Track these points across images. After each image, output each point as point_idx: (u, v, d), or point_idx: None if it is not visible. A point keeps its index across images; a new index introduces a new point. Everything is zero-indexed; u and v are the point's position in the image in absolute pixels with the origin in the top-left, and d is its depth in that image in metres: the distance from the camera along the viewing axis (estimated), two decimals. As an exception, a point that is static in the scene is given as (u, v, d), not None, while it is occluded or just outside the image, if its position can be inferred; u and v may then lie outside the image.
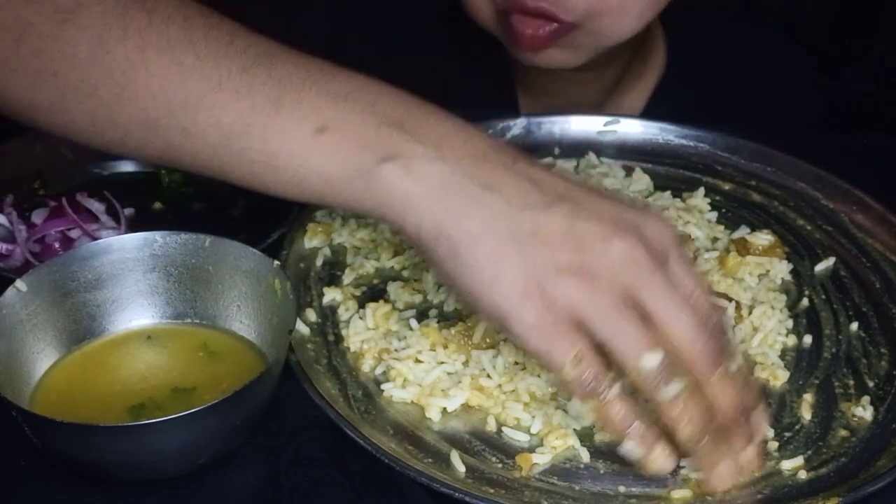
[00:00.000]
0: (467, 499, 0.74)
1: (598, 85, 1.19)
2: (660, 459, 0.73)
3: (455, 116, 0.76)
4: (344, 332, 0.87)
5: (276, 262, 0.82)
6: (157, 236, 0.84)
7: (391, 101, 0.76)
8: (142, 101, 0.76)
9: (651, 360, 0.70)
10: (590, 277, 0.70)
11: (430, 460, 0.77)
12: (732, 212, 1.02)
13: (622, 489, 0.76)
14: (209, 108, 0.75)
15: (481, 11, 1.06)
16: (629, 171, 1.05)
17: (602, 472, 0.78)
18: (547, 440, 0.78)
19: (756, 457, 0.75)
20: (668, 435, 0.73)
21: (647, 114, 1.20)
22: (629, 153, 1.09)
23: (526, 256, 0.70)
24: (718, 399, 0.72)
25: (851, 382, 0.86)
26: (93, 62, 0.76)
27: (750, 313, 0.89)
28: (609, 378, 0.71)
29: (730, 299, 0.88)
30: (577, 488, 0.76)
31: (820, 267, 0.97)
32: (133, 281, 0.83)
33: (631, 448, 0.73)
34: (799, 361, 0.87)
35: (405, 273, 0.93)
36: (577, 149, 1.08)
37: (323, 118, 0.74)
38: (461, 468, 0.77)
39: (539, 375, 0.82)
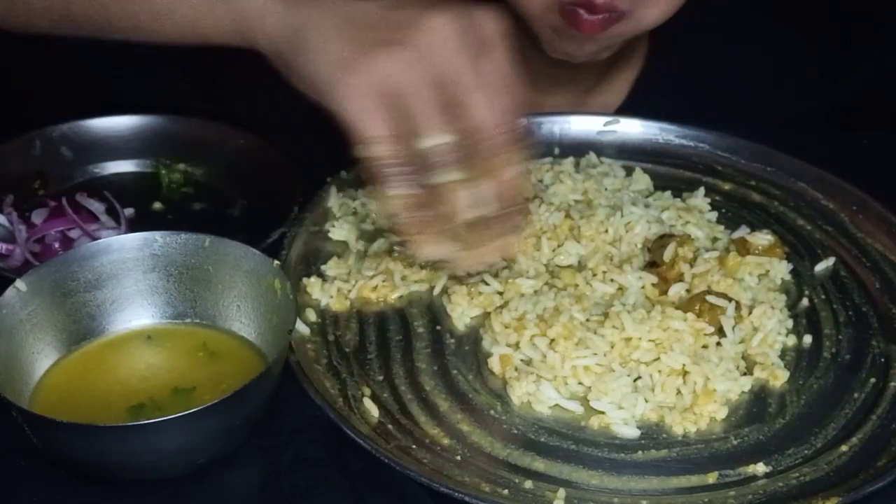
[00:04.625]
0: (467, 499, 0.74)
1: (588, 71, 1.19)
2: (422, 245, 0.80)
3: None
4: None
5: (276, 262, 0.82)
6: (157, 236, 0.84)
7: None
8: None
9: (430, 140, 0.75)
10: (406, 48, 0.75)
11: (428, 458, 0.77)
12: (732, 212, 1.02)
13: (622, 487, 0.77)
14: None
15: (537, 4, 1.05)
16: (629, 171, 1.05)
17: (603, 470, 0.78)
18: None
19: (513, 245, 0.83)
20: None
21: (630, 101, 1.20)
22: (629, 153, 1.09)
23: (346, 40, 0.77)
24: (500, 184, 0.78)
25: (851, 382, 0.86)
26: None
27: (750, 313, 0.89)
28: (400, 171, 0.77)
29: (730, 299, 0.88)
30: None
31: (820, 267, 0.97)
32: (133, 281, 0.83)
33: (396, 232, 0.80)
34: (799, 361, 0.87)
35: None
36: (577, 149, 1.08)
37: None
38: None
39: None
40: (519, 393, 0.83)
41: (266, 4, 0.82)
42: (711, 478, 0.78)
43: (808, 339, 0.89)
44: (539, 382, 0.83)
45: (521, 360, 0.85)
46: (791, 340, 0.89)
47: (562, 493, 0.76)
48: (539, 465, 0.78)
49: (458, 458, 0.78)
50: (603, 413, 0.82)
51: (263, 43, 0.83)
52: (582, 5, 1.00)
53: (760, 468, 0.78)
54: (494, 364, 0.85)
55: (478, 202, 0.78)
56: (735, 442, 0.81)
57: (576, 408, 0.82)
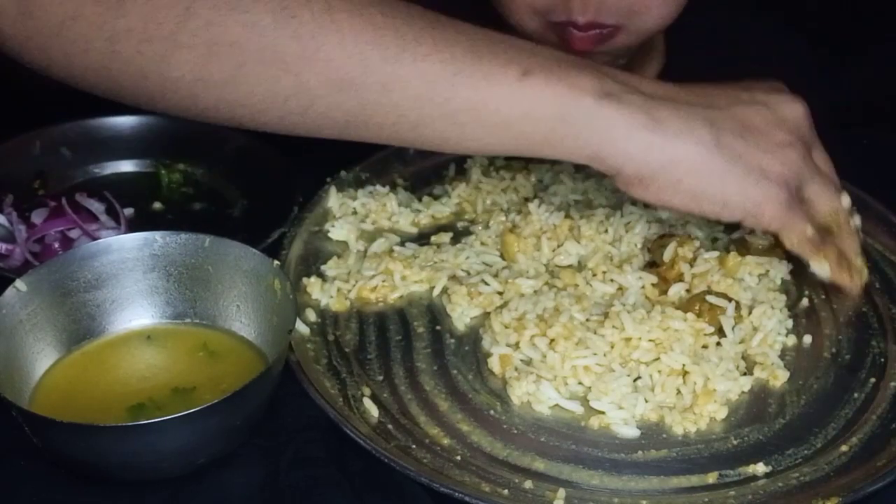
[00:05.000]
0: (467, 499, 0.74)
1: None
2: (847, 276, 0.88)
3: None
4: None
5: (276, 262, 0.83)
6: (157, 236, 0.84)
7: (568, 53, 0.85)
8: (336, 62, 0.76)
9: (846, 198, 0.87)
10: (783, 146, 0.82)
11: (428, 458, 0.77)
12: (732, 212, 1.02)
13: (622, 487, 0.77)
14: (410, 61, 0.76)
15: (529, 26, 1.06)
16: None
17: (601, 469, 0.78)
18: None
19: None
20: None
21: None
22: (629, 153, 1.08)
23: (732, 150, 0.80)
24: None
25: (851, 382, 0.86)
26: (277, 28, 0.75)
27: (750, 313, 0.89)
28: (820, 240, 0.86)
29: (730, 299, 0.88)
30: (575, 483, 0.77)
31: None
32: (133, 281, 0.83)
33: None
34: (799, 361, 0.87)
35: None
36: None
37: (523, 64, 0.77)
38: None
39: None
40: (519, 393, 0.83)
41: (624, 116, 0.78)
42: (711, 478, 0.78)
43: (808, 339, 0.89)
44: (539, 382, 0.83)
45: (521, 360, 0.85)
46: (791, 340, 0.89)
47: (562, 493, 0.76)
48: (539, 465, 0.78)
49: (458, 458, 0.78)
50: (603, 413, 0.82)
51: (622, 161, 0.80)
52: (568, 25, 1.01)
53: (760, 468, 0.78)
54: (494, 364, 0.85)
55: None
56: (735, 442, 0.81)
57: (576, 408, 0.82)
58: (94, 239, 0.92)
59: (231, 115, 0.80)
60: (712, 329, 0.86)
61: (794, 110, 0.86)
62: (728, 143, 0.81)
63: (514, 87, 0.77)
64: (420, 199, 1.02)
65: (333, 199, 1.00)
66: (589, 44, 1.02)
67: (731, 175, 0.80)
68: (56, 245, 0.94)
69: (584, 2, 0.99)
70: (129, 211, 1.00)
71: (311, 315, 0.89)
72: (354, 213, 1.00)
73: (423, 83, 0.77)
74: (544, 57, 0.79)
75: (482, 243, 0.96)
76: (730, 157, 0.80)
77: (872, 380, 0.86)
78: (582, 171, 1.04)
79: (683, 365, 0.83)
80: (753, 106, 0.84)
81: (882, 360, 0.88)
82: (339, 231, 0.97)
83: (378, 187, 1.02)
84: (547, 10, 1.00)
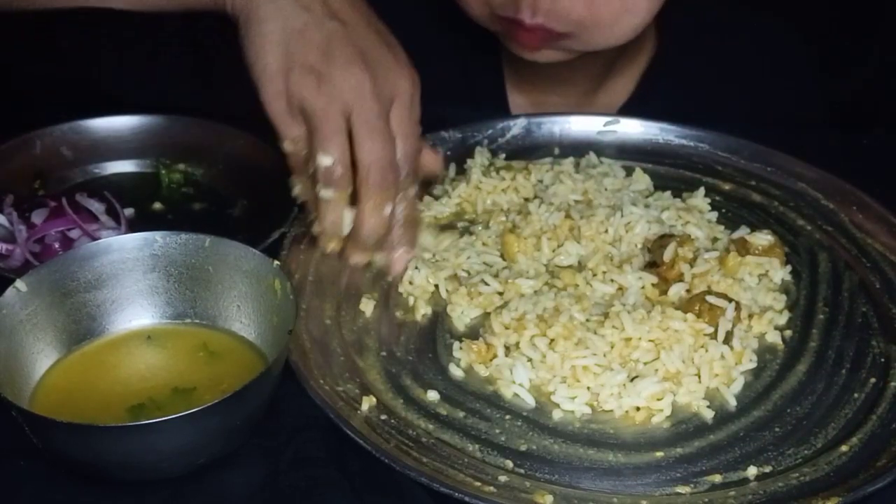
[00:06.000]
0: (467, 499, 0.74)
1: (590, 69, 1.19)
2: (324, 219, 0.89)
3: None
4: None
5: (276, 262, 0.83)
6: (157, 236, 0.84)
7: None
8: None
9: (324, 159, 0.86)
10: (323, 82, 0.85)
11: (428, 458, 0.77)
12: (732, 212, 1.02)
13: (622, 487, 0.77)
14: None
15: (476, 12, 1.07)
16: (629, 171, 1.05)
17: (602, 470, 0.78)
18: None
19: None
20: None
21: (636, 98, 1.21)
22: (629, 153, 1.09)
23: (285, 47, 0.85)
24: (362, 222, 0.88)
25: (851, 382, 0.86)
26: None
27: (750, 314, 0.89)
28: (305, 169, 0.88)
29: (730, 300, 0.88)
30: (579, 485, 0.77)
31: (820, 267, 0.97)
32: (133, 281, 0.83)
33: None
34: (799, 361, 0.87)
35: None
36: (577, 149, 1.08)
37: None
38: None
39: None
40: (510, 392, 0.83)
41: None
42: (711, 478, 0.78)
43: (808, 338, 0.89)
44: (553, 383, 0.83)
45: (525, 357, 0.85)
46: (790, 340, 0.89)
47: (562, 492, 0.76)
48: (539, 465, 0.78)
49: (458, 458, 0.78)
50: (602, 412, 0.82)
51: (229, 11, 0.89)
52: (514, 21, 1.02)
53: (760, 468, 0.78)
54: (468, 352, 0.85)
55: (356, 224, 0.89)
56: (735, 442, 0.81)
57: (574, 407, 0.82)
58: (94, 239, 0.92)
59: None
60: (712, 329, 0.86)
61: (354, 69, 0.86)
62: (282, 37, 0.85)
63: None
64: (420, 200, 1.02)
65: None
66: (535, 39, 1.03)
67: (253, 48, 0.86)
68: (56, 245, 0.94)
69: (534, 6, 1.01)
70: (129, 211, 1.00)
71: (311, 315, 0.90)
72: (354, 212, 1.00)
73: None
74: None
75: (482, 243, 0.96)
76: (262, 36, 0.86)
77: (873, 380, 0.86)
78: (582, 171, 1.05)
79: (682, 364, 0.83)
80: (331, 32, 0.86)
81: (882, 360, 0.88)
82: (339, 231, 0.98)
83: (378, 187, 1.02)
84: (496, 3, 1.03)
